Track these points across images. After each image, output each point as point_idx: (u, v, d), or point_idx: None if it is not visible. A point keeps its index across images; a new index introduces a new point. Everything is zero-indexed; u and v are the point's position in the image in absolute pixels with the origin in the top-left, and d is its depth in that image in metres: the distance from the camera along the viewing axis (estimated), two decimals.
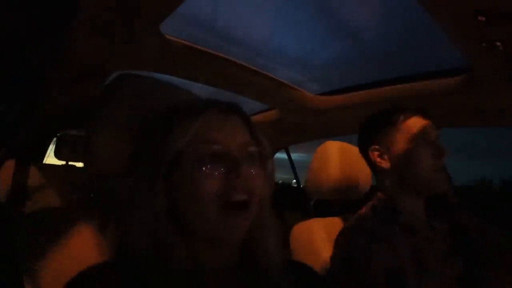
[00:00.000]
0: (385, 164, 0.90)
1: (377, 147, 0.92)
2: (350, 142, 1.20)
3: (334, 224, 1.09)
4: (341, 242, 0.84)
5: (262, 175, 0.53)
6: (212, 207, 0.47)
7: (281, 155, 2.23)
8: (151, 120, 0.58)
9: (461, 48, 0.85)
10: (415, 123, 0.86)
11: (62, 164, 2.29)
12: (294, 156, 2.33)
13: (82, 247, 0.62)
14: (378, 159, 0.91)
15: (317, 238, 1.05)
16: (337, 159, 1.10)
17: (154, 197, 0.48)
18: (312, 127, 1.71)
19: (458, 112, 1.21)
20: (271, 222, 0.57)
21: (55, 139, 2.25)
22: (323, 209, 1.24)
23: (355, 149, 1.10)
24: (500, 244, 0.88)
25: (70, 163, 2.31)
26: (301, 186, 2.45)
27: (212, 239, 0.50)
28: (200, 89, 1.28)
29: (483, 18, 0.66)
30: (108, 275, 0.46)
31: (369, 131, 0.96)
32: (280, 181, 5.61)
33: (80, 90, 1.19)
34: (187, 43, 1.00)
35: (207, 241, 0.51)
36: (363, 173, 1.13)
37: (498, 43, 0.75)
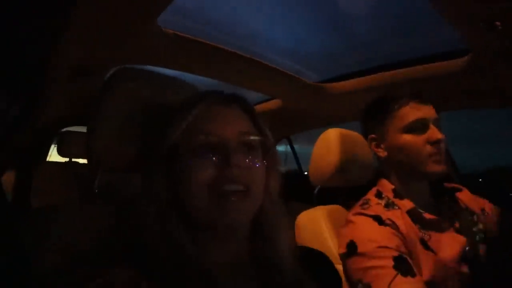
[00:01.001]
0: (382, 153, 0.91)
1: (374, 136, 0.92)
2: (356, 129, 1.19)
3: (339, 211, 1.10)
4: (347, 228, 0.85)
5: (264, 165, 0.53)
6: (204, 197, 0.48)
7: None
8: (152, 114, 0.58)
9: (459, 30, 0.84)
10: (409, 111, 0.85)
11: (65, 161, 2.31)
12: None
13: (88, 243, 0.63)
14: (376, 148, 0.92)
15: (322, 226, 1.06)
16: (338, 146, 1.10)
17: (157, 191, 0.49)
18: (313, 115, 1.70)
19: (459, 95, 1.21)
20: (280, 213, 0.56)
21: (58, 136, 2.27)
22: (327, 196, 1.25)
23: (357, 136, 1.10)
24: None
25: (73, 159, 2.33)
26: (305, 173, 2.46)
27: (212, 227, 0.50)
28: (210, 83, 1.27)
29: None
30: (122, 268, 0.46)
31: (366, 121, 0.96)
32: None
33: (79, 86, 1.19)
34: (185, 35, 0.99)
35: (210, 231, 0.51)
36: (365, 160, 1.13)
37: (498, 23, 0.74)
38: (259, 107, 1.70)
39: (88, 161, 0.64)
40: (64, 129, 2.24)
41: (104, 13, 0.78)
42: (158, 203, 0.49)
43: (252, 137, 0.53)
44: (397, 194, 0.87)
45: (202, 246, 0.50)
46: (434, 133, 0.81)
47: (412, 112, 0.84)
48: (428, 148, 0.81)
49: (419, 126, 0.83)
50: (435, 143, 0.81)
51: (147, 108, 0.61)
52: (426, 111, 0.84)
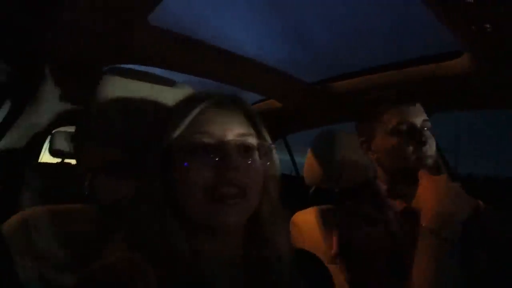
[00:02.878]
0: (371, 155, 0.92)
1: (363, 139, 0.93)
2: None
3: (333, 211, 1.10)
4: (340, 228, 0.85)
5: (261, 167, 0.53)
6: (200, 198, 0.48)
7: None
8: (144, 114, 0.58)
9: (452, 32, 0.85)
10: (394, 114, 0.85)
11: (57, 162, 2.28)
12: None
13: (80, 244, 0.62)
14: (366, 151, 0.93)
15: (316, 226, 1.06)
16: (332, 147, 1.11)
17: (152, 190, 0.49)
18: (309, 116, 1.70)
19: (453, 96, 1.22)
20: (278, 215, 0.56)
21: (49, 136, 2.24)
22: (321, 198, 1.25)
23: (351, 138, 1.11)
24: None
25: (66, 160, 2.30)
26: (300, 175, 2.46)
27: (208, 228, 0.50)
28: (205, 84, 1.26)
29: (472, 0, 0.66)
30: (122, 267, 0.45)
31: (357, 124, 0.98)
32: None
33: (71, 86, 1.17)
34: (179, 34, 0.98)
35: (206, 231, 0.51)
36: (359, 161, 1.14)
37: (488, 25, 0.75)
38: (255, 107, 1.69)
39: (76, 162, 0.63)
40: (56, 130, 2.21)
41: (94, 12, 0.77)
42: (153, 202, 0.49)
43: (250, 139, 0.53)
44: (390, 195, 0.87)
45: (196, 246, 0.50)
46: (418, 135, 0.81)
47: (397, 114, 0.84)
48: (414, 150, 0.81)
49: (404, 129, 0.83)
50: (419, 144, 0.80)
51: (139, 108, 0.60)
52: (412, 113, 0.84)
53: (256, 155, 0.53)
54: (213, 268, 0.50)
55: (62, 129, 2.23)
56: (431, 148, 0.82)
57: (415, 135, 0.81)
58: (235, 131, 0.52)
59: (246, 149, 0.52)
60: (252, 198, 0.51)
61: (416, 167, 0.80)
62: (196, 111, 0.51)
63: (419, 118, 0.84)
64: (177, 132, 0.50)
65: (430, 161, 0.81)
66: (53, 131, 2.21)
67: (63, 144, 2.23)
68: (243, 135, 0.52)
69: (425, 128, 0.83)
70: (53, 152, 2.24)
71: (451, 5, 0.71)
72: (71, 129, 2.23)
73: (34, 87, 1.06)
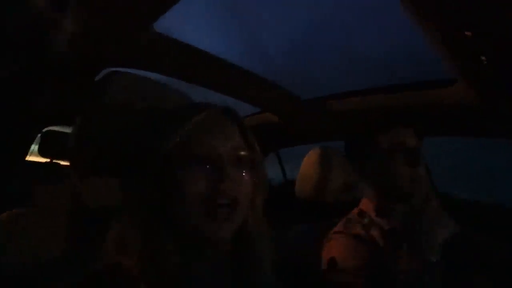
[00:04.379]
0: (362, 174, 0.94)
1: (354, 158, 0.97)
2: None
3: (322, 228, 1.10)
4: (329, 246, 0.86)
5: (252, 180, 0.54)
6: (197, 210, 0.48)
7: None
8: (142, 120, 0.57)
9: (447, 61, 0.88)
10: (389, 136, 0.87)
11: (46, 162, 2.23)
12: None
13: (64, 246, 0.61)
14: (356, 170, 0.96)
15: (304, 242, 1.05)
16: (319, 164, 1.16)
17: (146, 198, 0.49)
18: (302, 132, 1.72)
19: (446, 123, 1.25)
20: (263, 227, 0.57)
21: (39, 135, 2.20)
22: (311, 212, 1.27)
23: (341, 157, 1.15)
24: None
25: (54, 160, 2.25)
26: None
27: (199, 239, 0.50)
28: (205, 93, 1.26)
29: (470, 33, 0.69)
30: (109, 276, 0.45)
31: (347, 143, 1.01)
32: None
33: (69, 87, 1.16)
34: (182, 41, 0.99)
35: (197, 242, 0.51)
36: (348, 180, 1.18)
37: (483, 57, 0.78)
38: (249, 119, 1.70)
39: (69, 163, 0.62)
40: (47, 129, 2.17)
41: (99, 14, 0.77)
42: (146, 210, 0.48)
43: (243, 152, 0.53)
44: (378, 213, 0.88)
45: (186, 257, 0.50)
46: (414, 157, 0.83)
47: (392, 136, 0.87)
48: (408, 171, 0.83)
49: (399, 150, 0.85)
50: (414, 167, 0.82)
51: (137, 114, 0.60)
52: (406, 136, 0.86)
53: (248, 167, 0.54)
54: (202, 279, 0.50)
55: (52, 128, 2.19)
56: (423, 170, 0.83)
57: (410, 157, 0.83)
58: (230, 143, 0.53)
59: (239, 161, 0.53)
60: (242, 209, 0.52)
61: (411, 188, 0.82)
62: (193, 122, 0.51)
63: (413, 141, 0.86)
64: (174, 142, 0.50)
65: (423, 183, 0.83)
66: (43, 130, 2.17)
67: (53, 144, 2.18)
68: (237, 147, 0.53)
69: (418, 151, 0.85)
70: (42, 152, 2.19)
71: (448, 36, 0.73)
72: (62, 129, 2.19)
73: (30, 84, 1.05)
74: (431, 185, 1.45)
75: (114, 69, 0.67)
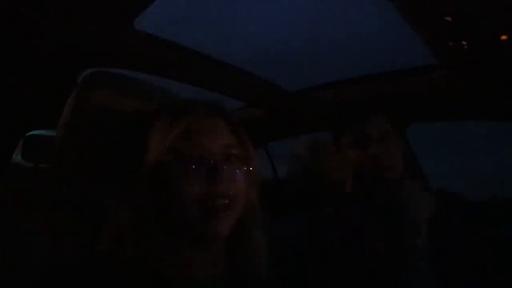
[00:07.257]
0: (346, 165, 0.97)
1: (338, 150, 1.00)
2: None
3: (313, 219, 1.12)
4: (318, 236, 0.86)
5: (245, 177, 0.54)
6: (190, 210, 0.48)
7: None
8: (128, 121, 0.56)
9: (429, 47, 0.89)
10: (357, 127, 0.90)
11: (29, 166, 2.17)
12: None
13: (50, 249, 0.60)
14: (341, 161, 0.99)
15: (295, 234, 1.06)
16: (308, 155, 1.16)
17: (137, 201, 0.48)
18: (290, 124, 1.72)
19: (428, 108, 1.27)
20: (258, 225, 0.57)
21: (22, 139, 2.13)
22: (302, 204, 1.28)
23: (330, 148, 1.16)
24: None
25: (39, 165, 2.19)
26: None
27: (195, 239, 0.51)
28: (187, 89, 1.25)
29: (450, 18, 0.70)
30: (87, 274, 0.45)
31: (334, 135, 1.06)
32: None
33: (50, 88, 1.13)
34: (164, 38, 0.97)
35: (192, 241, 0.51)
36: (337, 170, 1.19)
37: (464, 42, 0.79)
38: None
39: (54, 167, 0.61)
40: (30, 133, 2.11)
41: (78, 12, 0.75)
42: (138, 213, 0.48)
43: (234, 149, 0.53)
44: (368, 203, 0.90)
45: (182, 257, 0.50)
46: (371, 146, 0.86)
47: (360, 127, 0.90)
48: (369, 160, 0.87)
49: (360, 141, 0.89)
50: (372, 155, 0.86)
51: (124, 114, 0.59)
52: (371, 125, 0.89)
53: (240, 164, 0.54)
54: (198, 278, 0.50)
55: (36, 132, 2.12)
56: (389, 157, 0.86)
57: (368, 147, 0.86)
58: (222, 141, 0.52)
59: (232, 159, 0.52)
60: (238, 207, 0.52)
61: (378, 175, 0.85)
62: (183, 122, 0.51)
63: (377, 129, 0.88)
64: (163, 146, 0.49)
65: (392, 169, 0.85)
66: (27, 134, 2.11)
67: (37, 148, 2.12)
68: (229, 145, 0.53)
69: (386, 139, 0.87)
70: (26, 157, 2.12)
71: (429, 21, 0.74)
72: (46, 132, 2.13)
73: (9, 88, 1.02)
74: (410, 166, 1.49)
75: (96, 69, 0.66)
